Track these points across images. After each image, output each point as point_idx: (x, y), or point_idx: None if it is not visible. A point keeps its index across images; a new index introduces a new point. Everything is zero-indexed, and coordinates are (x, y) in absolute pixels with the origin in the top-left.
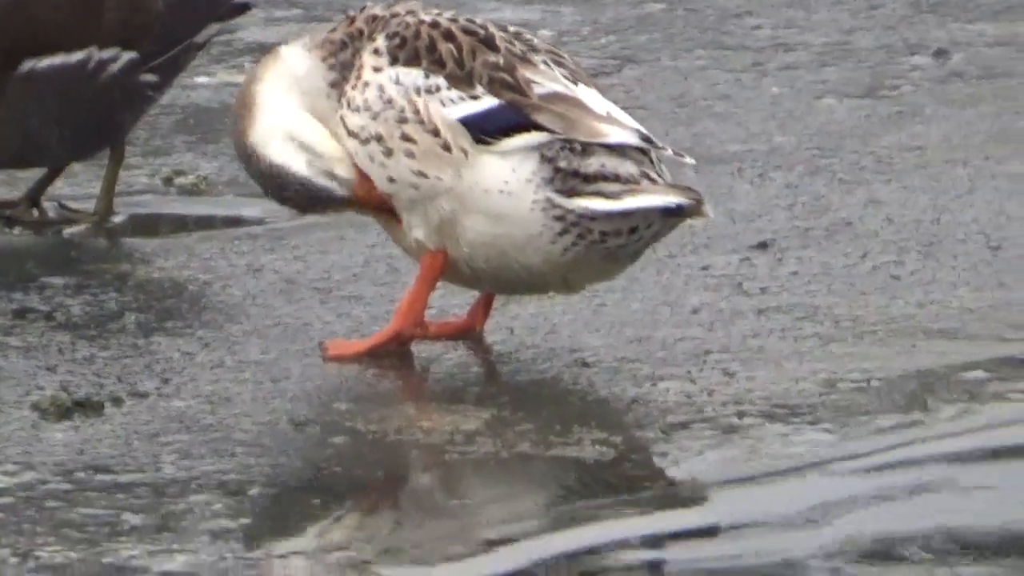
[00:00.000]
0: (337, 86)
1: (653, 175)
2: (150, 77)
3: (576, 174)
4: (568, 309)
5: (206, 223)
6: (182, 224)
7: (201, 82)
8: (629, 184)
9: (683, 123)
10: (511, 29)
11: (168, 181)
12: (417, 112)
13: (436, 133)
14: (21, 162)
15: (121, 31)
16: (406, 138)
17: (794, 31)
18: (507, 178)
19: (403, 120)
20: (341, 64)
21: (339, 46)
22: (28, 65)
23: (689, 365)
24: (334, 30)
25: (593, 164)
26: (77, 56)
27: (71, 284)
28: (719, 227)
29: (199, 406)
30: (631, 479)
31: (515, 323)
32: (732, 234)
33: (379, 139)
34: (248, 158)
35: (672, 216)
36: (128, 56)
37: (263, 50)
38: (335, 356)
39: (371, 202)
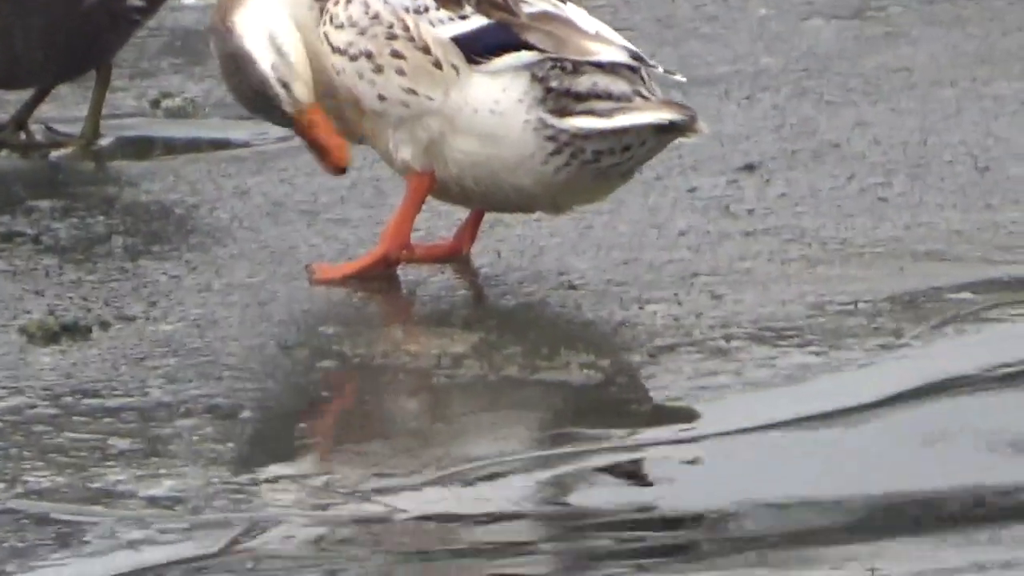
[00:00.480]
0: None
1: (645, 92)
2: (137, 2)
3: (568, 93)
4: (555, 232)
5: (193, 146)
6: (169, 147)
7: (188, 3)
8: (621, 102)
9: (670, 44)
10: None
11: (155, 104)
12: (407, 29)
13: (427, 50)
14: (9, 82)
15: None
16: (396, 55)
17: None
18: (497, 98)
19: (393, 36)
20: None
21: None
22: None
23: (676, 288)
24: None
25: (584, 83)
26: None
27: (58, 207)
28: (706, 149)
29: (186, 330)
30: (618, 402)
31: (502, 246)
32: (719, 156)
33: (368, 56)
34: (222, 34)
35: (666, 133)
36: None
37: None
38: (322, 279)
39: (306, 134)
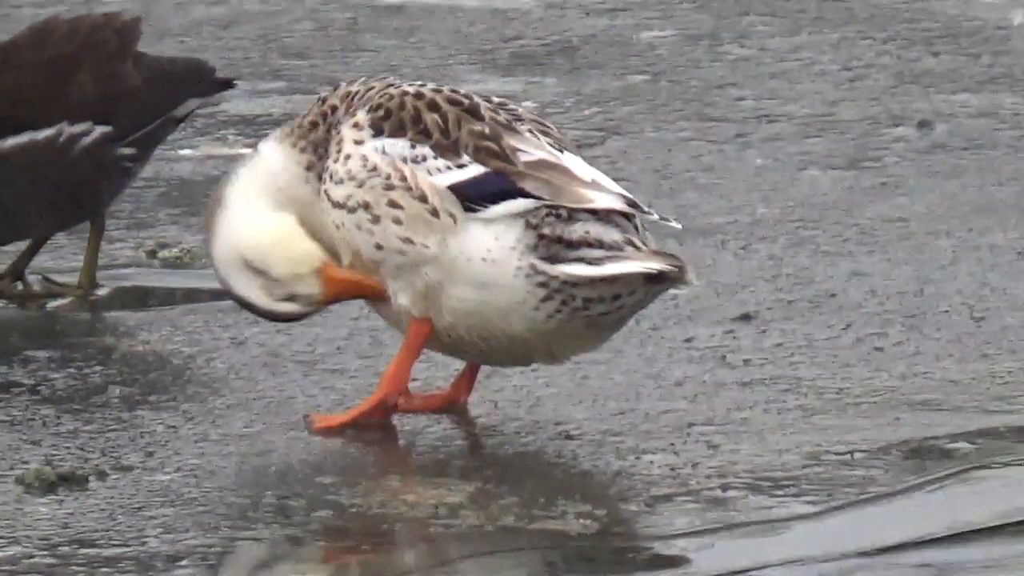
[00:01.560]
0: (313, 167)
1: (637, 242)
2: (127, 150)
3: (560, 240)
4: (552, 382)
5: (190, 296)
6: (166, 297)
7: (184, 154)
8: (612, 250)
9: (666, 195)
10: (495, 100)
11: (152, 254)
12: (404, 179)
13: (424, 199)
14: (5, 238)
15: (94, 105)
16: (393, 204)
17: (777, 102)
18: (490, 246)
19: (390, 187)
20: (313, 144)
21: (309, 128)
22: None
23: (673, 438)
24: (305, 115)
25: (577, 230)
26: (45, 133)
27: (55, 357)
28: (703, 299)
29: (183, 480)
30: (615, 552)
31: (499, 396)
32: (715, 306)
33: (366, 207)
34: (220, 281)
35: (655, 283)
36: (101, 130)
37: (247, 123)
38: (321, 428)
39: (343, 297)
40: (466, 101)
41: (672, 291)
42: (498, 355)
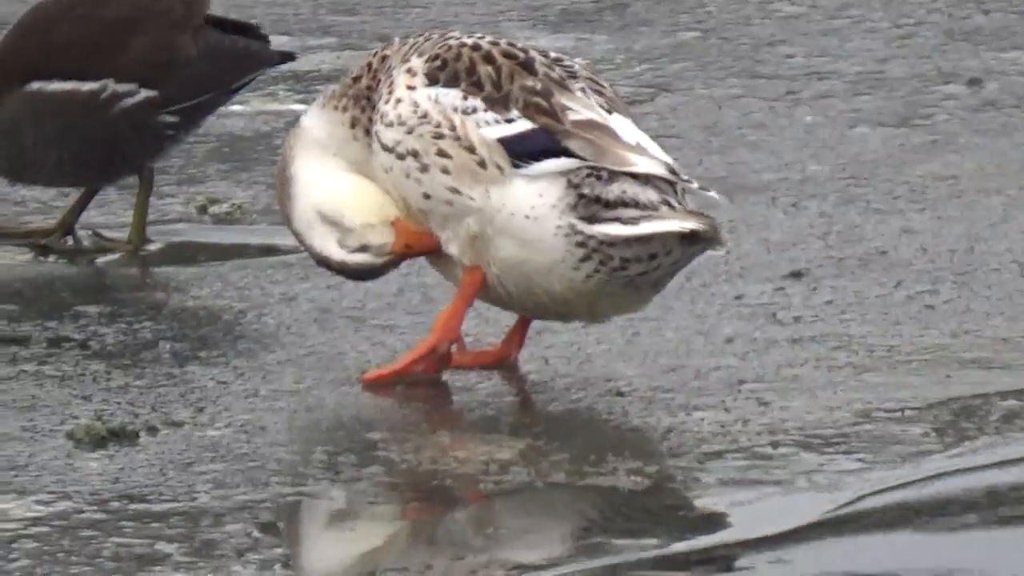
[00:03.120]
0: (358, 122)
1: (673, 202)
2: (170, 118)
3: (598, 200)
4: (603, 339)
5: (240, 252)
6: (216, 253)
7: (235, 110)
8: (647, 210)
9: (717, 152)
10: (552, 55)
11: (202, 210)
12: (454, 128)
13: (472, 150)
14: (15, 175)
15: (144, 68)
16: (442, 153)
17: (827, 60)
18: (534, 203)
19: (439, 136)
20: (354, 97)
21: (350, 84)
22: (36, 85)
23: (723, 395)
24: (349, 74)
25: (615, 190)
26: (89, 86)
27: (105, 313)
28: (753, 256)
29: (233, 435)
30: (665, 508)
31: (549, 352)
32: (766, 263)
33: (415, 154)
34: (302, 246)
35: (691, 243)
36: (147, 94)
37: (297, 78)
38: (373, 378)
39: (413, 252)
40: (521, 55)
41: (711, 252)
42: (542, 311)
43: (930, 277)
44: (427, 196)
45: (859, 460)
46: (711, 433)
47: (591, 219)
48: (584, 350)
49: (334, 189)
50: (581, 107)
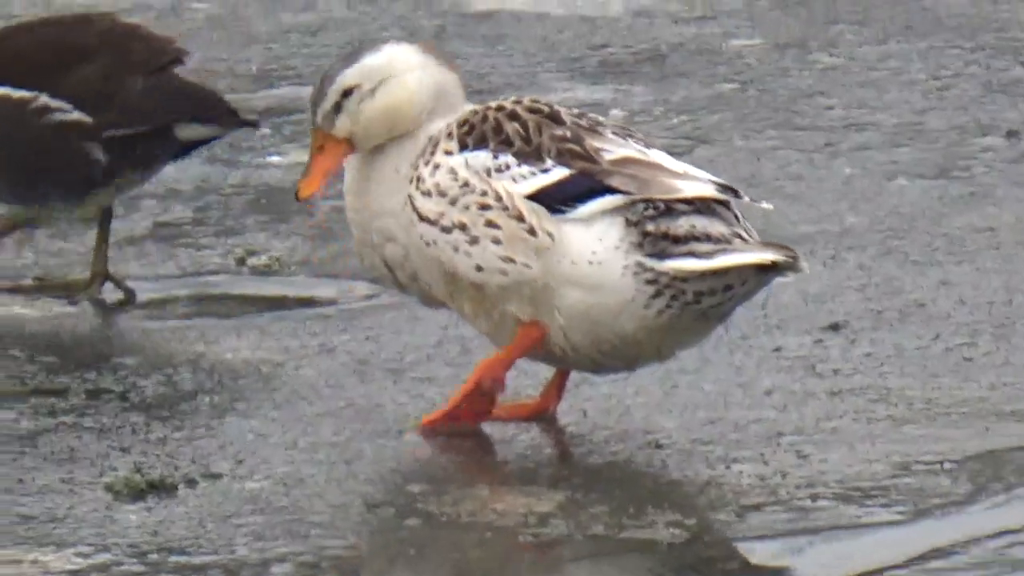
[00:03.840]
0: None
1: (744, 234)
2: (101, 149)
3: (666, 236)
4: (641, 391)
5: (279, 303)
6: (255, 304)
7: (273, 161)
8: (721, 243)
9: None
10: (576, 110)
11: (241, 261)
12: (499, 198)
13: (520, 218)
14: None
15: (83, 92)
16: (491, 224)
17: (866, 111)
18: (595, 248)
19: (486, 206)
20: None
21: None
22: None
23: (762, 447)
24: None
25: (683, 225)
26: (21, 93)
27: (145, 364)
28: (792, 308)
29: (272, 487)
30: (704, 561)
31: (588, 405)
32: (805, 315)
33: (462, 227)
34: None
35: (766, 272)
36: (78, 114)
37: None
38: (426, 425)
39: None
40: (546, 108)
41: (779, 279)
42: (608, 358)
43: (968, 329)
44: (480, 268)
45: (898, 512)
46: (750, 485)
47: (660, 255)
48: (623, 402)
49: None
50: (615, 146)
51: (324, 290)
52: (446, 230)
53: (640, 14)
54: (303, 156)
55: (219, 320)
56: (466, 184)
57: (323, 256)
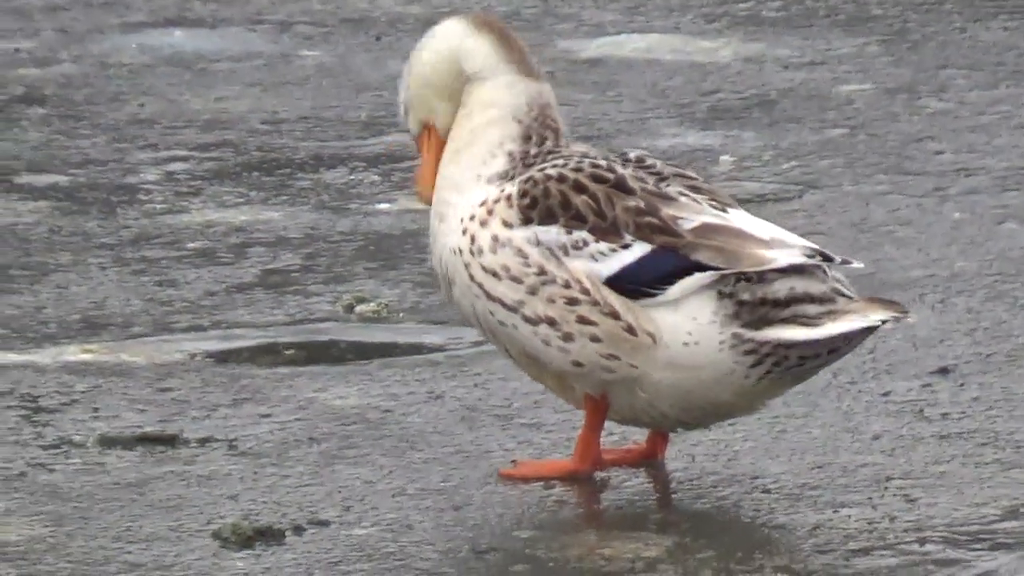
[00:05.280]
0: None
1: (845, 291)
2: None
3: (764, 302)
4: (749, 436)
5: (387, 350)
6: (363, 351)
7: (382, 208)
8: (826, 304)
9: (864, 248)
10: (632, 155)
11: (349, 308)
12: (586, 291)
13: (616, 315)
14: None
15: None
16: (584, 321)
17: (975, 156)
18: (689, 328)
19: (573, 301)
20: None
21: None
22: None
23: (870, 491)
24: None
25: (781, 289)
26: None
27: (253, 412)
28: (900, 353)
29: (380, 535)
30: None
31: (696, 450)
32: (913, 360)
33: (551, 323)
34: None
35: (874, 330)
36: None
37: None
38: (506, 475)
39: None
40: (611, 176)
41: (874, 344)
42: (697, 422)
43: None
44: (579, 364)
45: (1006, 556)
46: (858, 530)
47: (761, 323)
48: (731, 447)
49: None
50: (691, 212)
51: (432, 337)
52: (531, 321)
53: (750, 60)
54: (412, 203)
55: (327, 367)
56: (542, 272)
57: (431, 303)
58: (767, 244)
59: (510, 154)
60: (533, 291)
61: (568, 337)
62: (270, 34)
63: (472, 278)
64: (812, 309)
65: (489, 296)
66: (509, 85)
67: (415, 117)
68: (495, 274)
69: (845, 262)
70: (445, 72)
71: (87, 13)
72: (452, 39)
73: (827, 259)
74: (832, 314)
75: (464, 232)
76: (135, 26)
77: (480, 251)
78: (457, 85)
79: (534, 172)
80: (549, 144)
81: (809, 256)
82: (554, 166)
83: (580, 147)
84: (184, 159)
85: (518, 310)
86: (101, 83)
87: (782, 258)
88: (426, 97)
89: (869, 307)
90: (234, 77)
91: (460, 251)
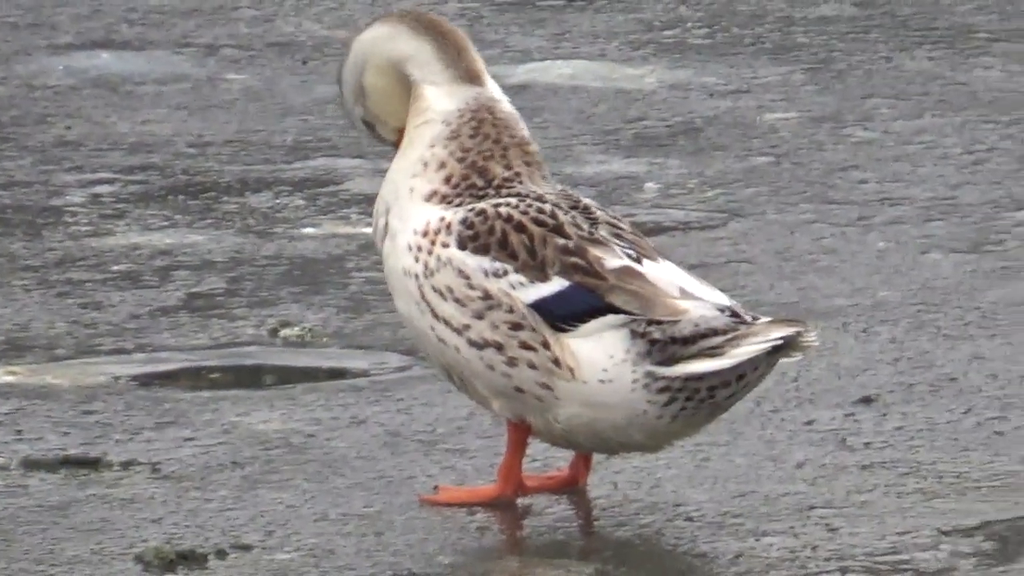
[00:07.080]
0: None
1: (746, 316)
2: None
3: (674, 340)
4: (672, 463)
5: (311, 375)
6: (287, 376)
7: (308, 233)
8: (728, 334)
9: (788, 277)
10: (580, 203)
11: (274, 332)
12: (524, 317)
13: (547, 346)
14: None
15: None
16: (525, 346)
17: (900, 185)
18: (605, 365)
19: (516, 326)
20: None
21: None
22: None
23: (792, 520)
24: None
25: (686, 327)
26: None
27: (176, 436)
28: (823, 382)
29: (303, 559)
30: None
31: (619, 477)
32: (836, 388)
33: (498, 347)
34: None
35: (777, 352)
36: None
37: (369, 201)
38: (432, 501)
39: None
40: (551, 222)
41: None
42: (610, 451)
43: (1000, 404)
44: (520, 390)
45: None
46: (779, 559)
47: (670, 360)
48: (654, 475)
49: None
50: (616, 258)
51: (356, 362)
52: (477, 345)
53: (675, 87)
54: (338, 227)
55: (251, 391)
56: (487, 296)
57: (356, 328)
58: (680, 296)
59: (442, 163)
60: (479, 316)
61: (512, 363)
62: (196, 57)
63: (421, 296)
64: (717, 340)
65: (434, 314)
66: (448, 93)
67: (389, 128)
68: (441, 294)
69: (755, 319)
70: (395, 81)
71: (14, 34)
72: (389, 47)
73: (738, 318)
74: (734, 340)
75: (412, 251)
76: (62, 48)
77: (430, 271)
78: (407, 87)
79: (486, 205)
80: (489, 146)
81: (729, 315)
82: (507, 204)
83: (544, 185)
84: (110, 181)
85: (463, 333)
86: (27, 105)
87: (694, 312)
88: (392, 107)
89: (770, 328)
90: (160, 100)
91: (408, 271)
